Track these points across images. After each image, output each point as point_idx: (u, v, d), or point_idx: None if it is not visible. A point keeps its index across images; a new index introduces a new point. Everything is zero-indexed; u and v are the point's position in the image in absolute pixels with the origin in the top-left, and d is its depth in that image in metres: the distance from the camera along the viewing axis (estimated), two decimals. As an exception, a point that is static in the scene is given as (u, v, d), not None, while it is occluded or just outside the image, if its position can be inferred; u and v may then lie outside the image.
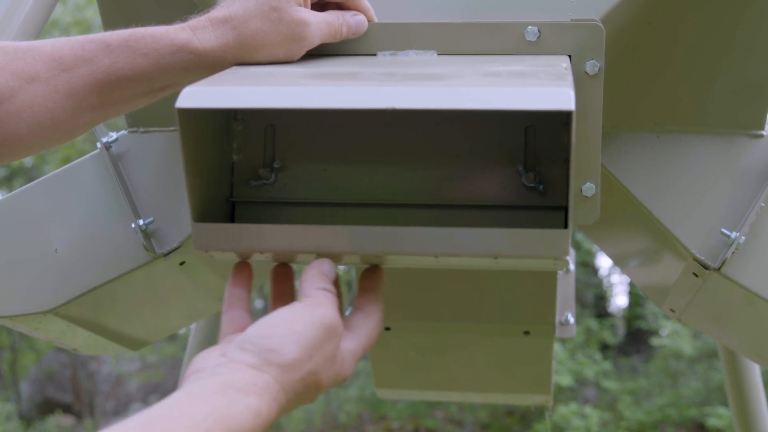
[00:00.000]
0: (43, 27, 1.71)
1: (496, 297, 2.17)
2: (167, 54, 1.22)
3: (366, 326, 1.15)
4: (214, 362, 1.00)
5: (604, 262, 11.02)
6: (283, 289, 1.21)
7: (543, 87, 1.08)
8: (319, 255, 1.17)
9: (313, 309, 1.06)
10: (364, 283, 1.20)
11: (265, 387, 0.98)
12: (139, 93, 1.25)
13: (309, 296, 1.09)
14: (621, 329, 11.22)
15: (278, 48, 1.27)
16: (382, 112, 1.07)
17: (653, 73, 1.61)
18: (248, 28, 1.24)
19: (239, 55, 1.25)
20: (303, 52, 1.30)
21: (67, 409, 10.50)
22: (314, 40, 1.29)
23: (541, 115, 1.26)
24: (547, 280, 2.16)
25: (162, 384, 10.24)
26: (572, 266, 2.61)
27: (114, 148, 1.75)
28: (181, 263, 1.71)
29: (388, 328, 2.23)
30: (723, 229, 1.59)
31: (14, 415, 9.89)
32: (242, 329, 1.07)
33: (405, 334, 2.28)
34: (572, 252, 2.69)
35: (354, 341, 1.13)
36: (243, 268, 1.20)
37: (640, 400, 9.38)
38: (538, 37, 1.31)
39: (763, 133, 1.65)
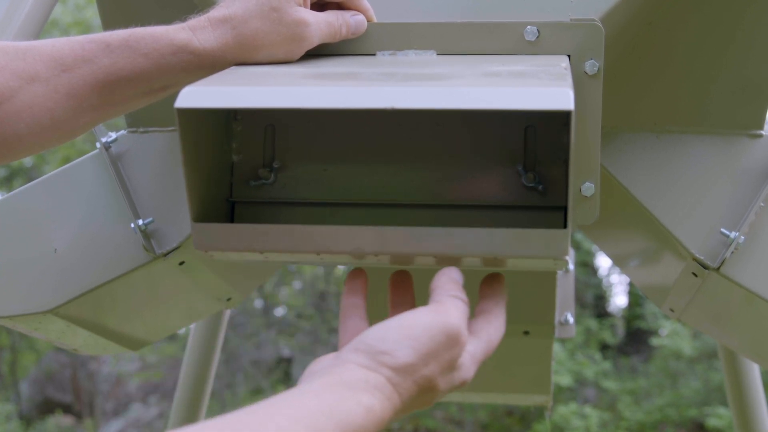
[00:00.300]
0: (42, 27, 1.71)
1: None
2: (167, 54, 1.22)
3: (487, 330, 1.11)
4: (327, 364, 0.98)
5: (603, 262, 11.02)
6: (403, 298, 1.18)
7: (542, 87, 1.08)
8: (319, 255, 1.17)
9: (435, 315, 1.03)
10: (485, 290, 1.16)
11: (377, 386, 0.95)
12: (139, 93, 1.25)
13: (437, 302, 1.06)
14: (620, 329, 11.22)
15: (278, 48, 1.27)
16: (381, 113, 1.07)
17: (653, 73, 1.61)
18: (248, 28, 1.24)
19: (239, 55, 1.25)
20: (303, 52, 1.30)
21: (67, 409, 10.50)
22: (314, 41, 1.29)
23: (540, 115, 1.26)
24: (547, 280, 2.16)
25: (162, 384, 10.23)
26: (572, 266, 2.61)
27: (113, 148, 1.75)
28: (181, 263, 1.71)
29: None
30: (722, 229, 1.59)
31: (14, 415, 9.89)
32: None
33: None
34: (572, 252, 2.69)
35: (474, 344, 1.09)
36: (357, 275, 1.17)
37: (640, 400, 9.38)
38: (538, 37, 1.31)
39: (763, 133, 1.65)
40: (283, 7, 1.25)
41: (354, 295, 1.16)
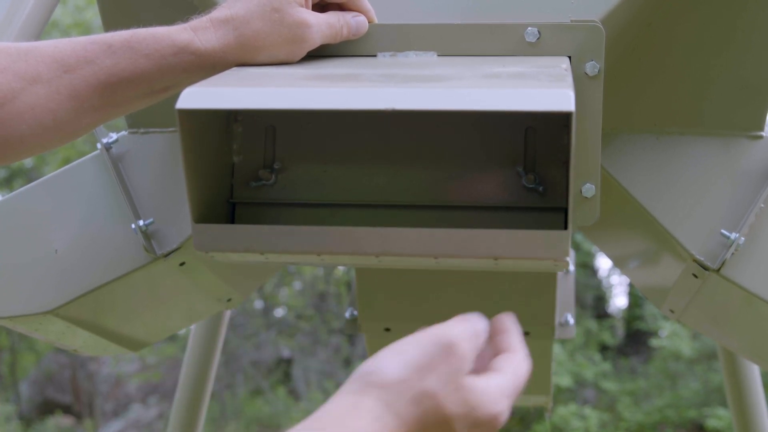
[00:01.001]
0: (43, 28, 1.71)
1: (495, 298, 2.17)
2: (169, 55, 1.23)
3: (511, 364, 1.00)
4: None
5: (603, 263, 11.02)
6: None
7: (543, 88, 1.08)
8: (320, 256, 1.17)
9: (431, 329, 0.96)
10: (499, 327, 1.05)
11: (367, 409, 0.88)
12: (141, 94, 1.26)
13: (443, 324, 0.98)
14: (620, 330, 11.22)
15: (279, 49, 1.27)
16: (382, 114, 1.07)
17: (653, 74, 1.61)
18: (250, 29, 1.24)
19: (240, 56, 1.25)
20: (304, 53, 1.30)
21: (66, 409, 10.49)
22: (315, 42, 1.29)
23: (540, 117, 1.26)
24: (547, 282, 2.16)
25: (161, 385, 10.23)
26: (572, 267, 2.61)
27: (114, 149, 1.75)
28: (181, 264, 1.71)
29: (387, 329, 2.23)
30: (722, 230, 1.59)
31: (14, 416, 9.89)
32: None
33: (404, 335, 2.27)
34: (572, 253, 2.69)
35: (498, 379, 0.97)
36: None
37: (640, 401, 9.38)
38: (538, 38, 1.31)
39: (763, 134, 1.65)
40: (285, 8, 1.25)
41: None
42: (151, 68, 1.22)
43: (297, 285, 10.73)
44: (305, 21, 1.27)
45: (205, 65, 1.24)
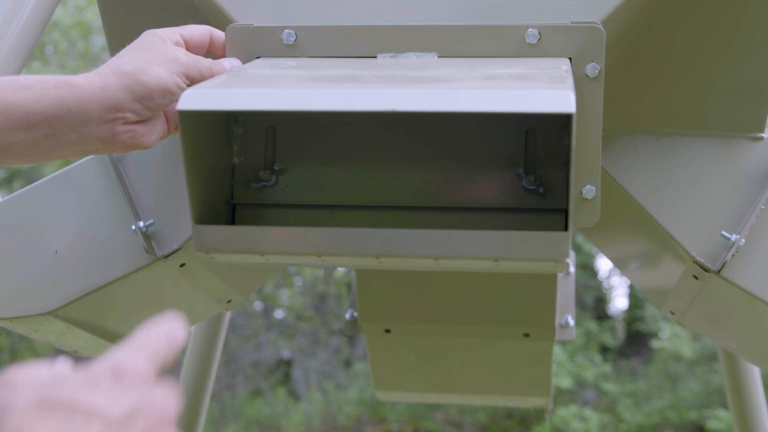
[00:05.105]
0: (43, 29, 1.71)
1: (496, 299, 2.17)
2: (51, 87, 1.19)
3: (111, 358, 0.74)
4: None
5: (603, 265, 11.01)
6: None
7: (543, 89, 1.08)
8: (320, 257, 1.17)
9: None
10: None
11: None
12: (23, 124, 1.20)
13: None
14: (621, 332, 11.21)
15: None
16: (382, 115, 1.07)
17: (653, 76, 1.61)
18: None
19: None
20: None
21: (66, 410, 10.48)
22: None
23: (541, 118, 1.26)
24: (547, 283, 2.16)
25: (161, 386, 10.21)
26: (572, 268, 2.61)
27: (114, 150, 1.74)
28: (182, 265, 1.71)
29: (387, 330, 2.23)
30: (723, 232, 1.59)
31: (13, 416, 9.88)
32: None
33: (405, 336, 2.28)
34: (572, 254, 2.69)
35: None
36: None
37: (640, 402, 9.37)
38: (539, 40, 1.31)
39: (763, 135, 1.65)
40: None
41: None
42: (31, 97, 1.18)
43: (297, 286, 10.73)
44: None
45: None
